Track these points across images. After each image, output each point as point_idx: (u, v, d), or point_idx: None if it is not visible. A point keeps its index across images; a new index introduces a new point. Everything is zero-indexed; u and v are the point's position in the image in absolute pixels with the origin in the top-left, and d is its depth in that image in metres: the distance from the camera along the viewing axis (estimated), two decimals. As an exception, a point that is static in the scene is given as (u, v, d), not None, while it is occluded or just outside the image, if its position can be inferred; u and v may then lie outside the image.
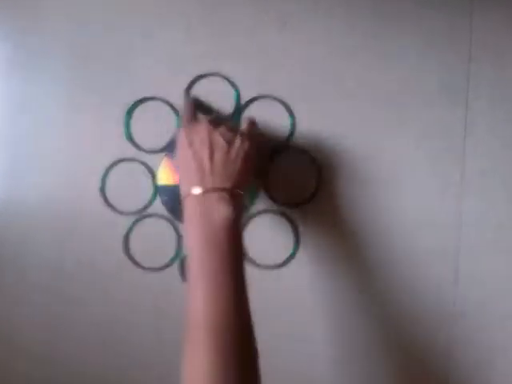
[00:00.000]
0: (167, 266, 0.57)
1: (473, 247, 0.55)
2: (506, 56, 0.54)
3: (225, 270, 0.42)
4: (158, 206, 0.57)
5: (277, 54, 0.56)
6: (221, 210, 0.43)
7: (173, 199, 0.58)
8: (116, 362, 0.57)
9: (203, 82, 0.56)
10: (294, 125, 0.56)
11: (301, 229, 0.56)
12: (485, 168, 0.55)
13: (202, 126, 0.47)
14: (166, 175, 0.58)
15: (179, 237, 0.57)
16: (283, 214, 0.56)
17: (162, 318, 0.57)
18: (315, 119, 0.56)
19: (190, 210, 0.45)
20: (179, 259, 0.57)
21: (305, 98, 0.56)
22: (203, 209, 0.43)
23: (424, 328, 0.56)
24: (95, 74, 0.57)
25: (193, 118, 0.51)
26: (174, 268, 0.57)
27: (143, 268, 0.57)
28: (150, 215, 0.57)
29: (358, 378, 0.57)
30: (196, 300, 0.40)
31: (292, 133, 0.56)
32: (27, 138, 0.57)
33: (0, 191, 0.58)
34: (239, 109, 0.56)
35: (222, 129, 0.47)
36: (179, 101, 0.56)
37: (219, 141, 0.46)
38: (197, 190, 0.44)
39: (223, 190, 0.44)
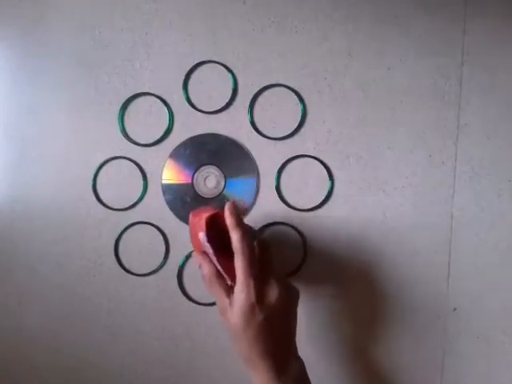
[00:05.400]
0: (155, 271, 0.58)
1: (466, 247, 0.56)
2: (498, 60, 0.56)
3: None
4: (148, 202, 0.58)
5: (276, 56, 0.57)
6: None
7: (176, 198, 0.57)
8: (118, 351, 0.59)
9: (201, 68, 0.57)
10: (305, 111, 0.57)
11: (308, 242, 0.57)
12: (476, 168, 0.56)
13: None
14: (170, 174, 0.57)
15: (167, 242, 0.58)
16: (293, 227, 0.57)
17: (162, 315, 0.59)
18: (315, 119, 0.57)
19: None
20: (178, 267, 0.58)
21: (303, 99, 0.57)
22: None
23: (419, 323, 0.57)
24: (98, 77, 0.57)
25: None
26: (162, 273, 0.58)
27: (133, 274, 0.58)
28: (138, 222, 0.58)
29: (359, 374, 0.58)
30: None
31: (303, 119, 0.57)
32: (33, 138, 0.58)
33: (7, 189, 0.58)
34: (236, 91, 0.57)
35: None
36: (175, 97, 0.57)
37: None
38: None
39: None
